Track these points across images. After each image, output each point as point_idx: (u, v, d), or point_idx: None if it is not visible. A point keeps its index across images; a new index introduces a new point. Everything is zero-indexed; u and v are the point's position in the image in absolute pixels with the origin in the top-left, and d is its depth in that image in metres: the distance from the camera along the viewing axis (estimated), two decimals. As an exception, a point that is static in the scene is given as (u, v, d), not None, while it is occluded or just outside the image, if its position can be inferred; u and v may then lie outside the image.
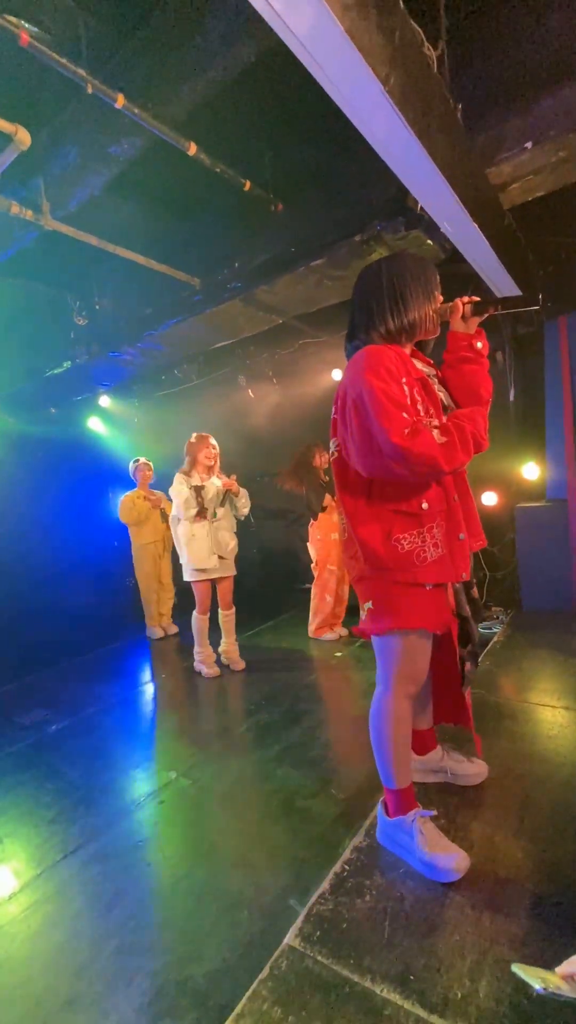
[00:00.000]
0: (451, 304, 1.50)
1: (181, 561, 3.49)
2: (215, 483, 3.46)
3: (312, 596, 4.07)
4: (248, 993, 1.13)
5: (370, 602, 1.47)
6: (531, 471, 4.11)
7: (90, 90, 2.00)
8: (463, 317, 1.50)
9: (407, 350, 1.51)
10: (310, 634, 4.05)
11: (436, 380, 1.53)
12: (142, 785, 2.33)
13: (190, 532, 3.38)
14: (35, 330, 4.55)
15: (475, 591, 1.60)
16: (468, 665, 1.65)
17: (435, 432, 1.35)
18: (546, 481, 3.98)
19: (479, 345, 1.51)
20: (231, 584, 3.58)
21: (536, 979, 0.68)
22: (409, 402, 1.37)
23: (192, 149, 2.31)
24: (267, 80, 2.26)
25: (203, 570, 3.39)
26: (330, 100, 1.56)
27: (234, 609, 3.63)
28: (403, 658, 1.47)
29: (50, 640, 4.51)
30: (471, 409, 1.46)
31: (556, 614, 3.70)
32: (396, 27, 1.36)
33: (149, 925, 1.56)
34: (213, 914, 1.56)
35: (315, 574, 4.02)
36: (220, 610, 3.59)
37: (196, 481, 3.42)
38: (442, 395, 1.50)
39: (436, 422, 1.40)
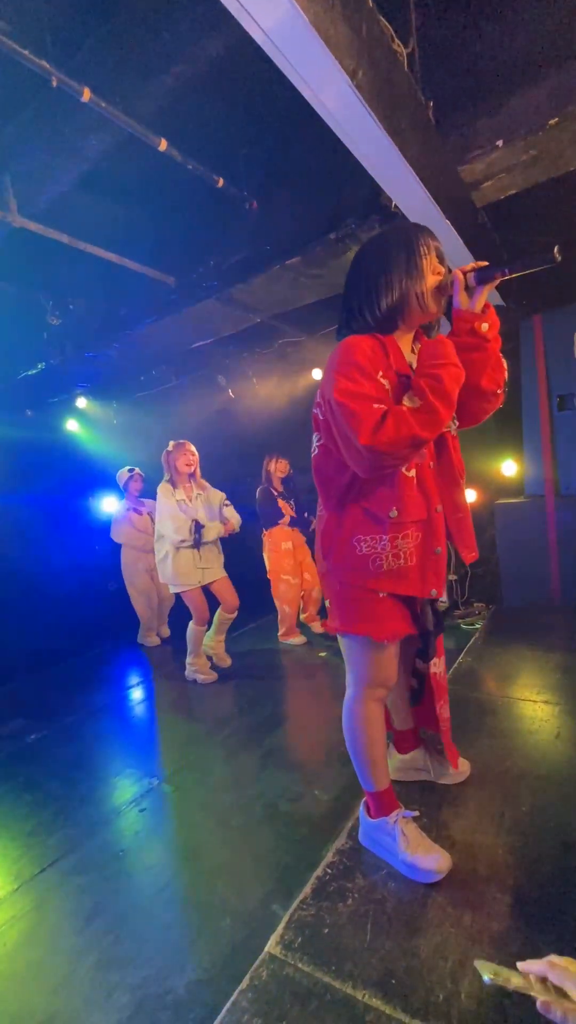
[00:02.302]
0: (450, 276, 1.26)
1: (162, 578, 3.37)
2: (204, 501, 3.38)
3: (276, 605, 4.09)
4: (227, 1005, 1.11)
5: (328, 600, 1.45)
6: (509, 468, 4.15)
7: (55, 83, 1.95)
8: (467, 289, 1.27)
9: (407, 335, 1.37)
10: (280, 638, 4.06)
11: None
12: (123, 793, 2.28)
13: (175, 553, 3.26)
14: (7, 331, 4.45)
15: (440, 603, 1.51)
16: (435, 673, 1.59)
17: (406, 400, 1.22)
18: (524, 478, 4.03)
19: (484, 327, 1.27)
20: (228, 582, 3.44)
21: (489, 972, 0.68)
22: (386, 395, 1.24)
23: (163, 145, 2.28)
24: (238, 75, 2.24)
25: (197, 583, 3.31)
26: (303, 96, 1.55)
27: (236, 614, 3.52)
28: (364, 662, 1.42)
29: (29, 648, 4.42)
30: (433, 357, 1.24)
31: (536, 609, 3.75)
32: (363, 20, 1.35)
33: (129, 937, 1.53)
34: (195, 923, 1.54)
35: (272, 584, 4.00)
36: (222, 612, 3.47)
37: (180, 494, 3.31)
38: None
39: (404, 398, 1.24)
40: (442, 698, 1.64)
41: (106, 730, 2.99)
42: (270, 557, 3.98)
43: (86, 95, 1.99)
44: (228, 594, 3.44)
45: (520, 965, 0.69)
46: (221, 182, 2.63)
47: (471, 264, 1.26)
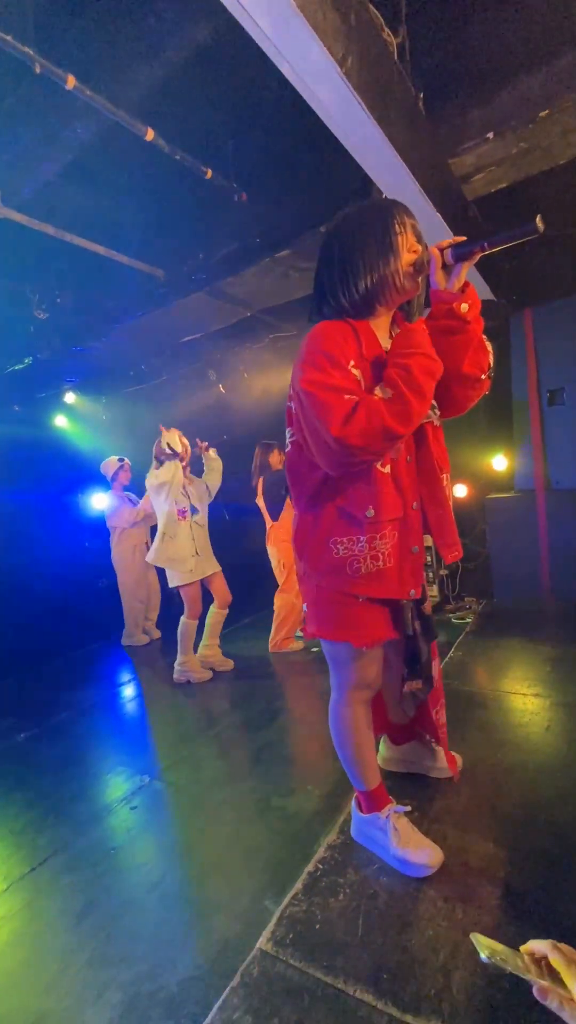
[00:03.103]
0: (426, 253, 1.19)
1: (163, 564, 3.33)
2: (196, 486, 3.40)
3: (278, 606, 3.73)
4: (219, 1002, 1.11)
5: (305, 604, 1.41)
6: (500, 463, 4.16)
7: (38, 70, 1.91)
8: (445, 267, 1.19)
9: (384, 319, 1.30)
10: (270, 648, 3.72)
11: None
12: (114, 791, 2.27)
13: (172, 532, 3.25)
14: (-7, 324, 4.38)
15: (427, 606, 1.47)
16: (409, 685, 1.52)
17: (376, 390, 1.16)
18: (515, 472, 4.05)
19: (464, 308, 1.19)
20: (223, 577, 3.45)
21: (485, 949, 0.67)
22: (363, 388, 1.19)
23: (149, 135, 2.24)
24: (226, 63, 2.20)
25: (189, 571, 3.27)
26: (292, 87, 1.52)
27: (227, 611, 3.49)
28: (346, 665, 1.40)
29: (17, 645, 4.38)
30: (403, 347, 1.18)
31: (526, 602, 3.77)
32: (352, 8, 1.32)
33: (121, 935, 1.52)
34: (187, 920, 1.53)
35: (280, 580, 3.74)
36: (216, 608, 3.44)
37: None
38: None
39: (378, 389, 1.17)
40: (438, 703, 1.59)
41: (97, 728, 2.97)
42: (283, 548, 3.71)
43: (70, 82, 1.94)
44: (223, 589, 3.43)
45: (524, 948, 0.69)
46: (209, 173, 2.59)
47: (448, 240, 1.18)
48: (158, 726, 2.95)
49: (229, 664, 3.49)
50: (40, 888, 1.75)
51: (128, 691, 3.52)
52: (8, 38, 1.80)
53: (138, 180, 2.90)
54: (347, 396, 1.13)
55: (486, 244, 1.14)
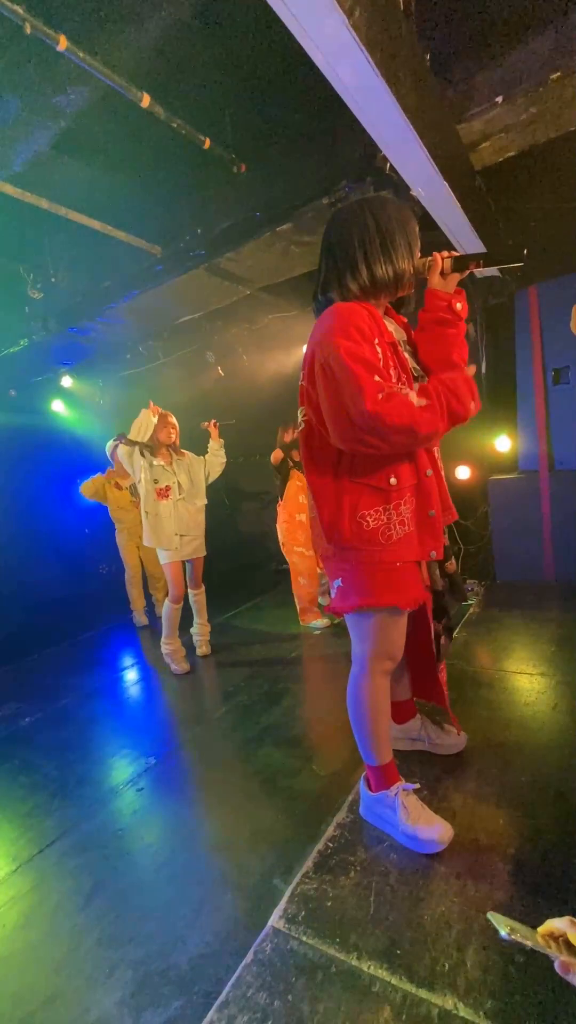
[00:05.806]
0: (429, 258, 1.38)
1: (145, 543, 3.36)
2: (186, 467, 3.38)
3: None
4: (232, 979, 1.10)
5: (339, 580, 1.42)
6: (503, 443, 4.12)
7: (29, 31, 1.82)
8: (442, 273, 1.38)
9: (381, 308, 1.41)
10: (301, 621, 3.88)
11: (405, 345, 1.44)
12: (120, 773, 2.27)
13: (154, 511, 3.27)
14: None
15: (451, 564, 1.55)
16: (444, 639, 1.63)
17: (412, 395, 1.25)
18: (518, 453, 4.00)
19: (459, 306, 1.39)
20: (202, 563, 3.49)
21: (505, 926, 0.66)
22: (382, 366, 1.27)
23: (145, 101, 2.15)
24: (225, 24, 2.11)
25: (172, 551, 3.27)
26: (294, 51, 1.44)
27: (203, 588, 3.55)
28: (376, 635, 1.42)
29: (20, 631, 4.38)
30: (451, 376, 1.31)
31: (529, 584, 3.76)
32: (360, -46, 1.25)
33: (130, 915, 1.52)
34: (196, 899, 1.53)
35: (287, 557, 3.88)
36: (190, 590, 3.49)
37: (160, 461, 3.31)
38: (411, 362, 1.41)
39: (409, 391, 1.29)
40: (441, 661, 1.70)
41: (101, 711, 2.97)
42: (283, 529, 3.82)
43: (62, 43, 1.86)
44: (198, 573, 3.47)
45: (541, 929, 0.68)
46: (208, 143, 2.50)
47: (447, 252, 1.39)
48: (162, 709, 2.95)
49: (206, 650, 3.54)
50: (48, 870, 1.76)
51: (131, 675, 3.52)
52: (-4, -5, 1.71)
53: (134, 150, 2.80)
54: (377, 377, 1.22)
55: (481, 261, 1.39)
